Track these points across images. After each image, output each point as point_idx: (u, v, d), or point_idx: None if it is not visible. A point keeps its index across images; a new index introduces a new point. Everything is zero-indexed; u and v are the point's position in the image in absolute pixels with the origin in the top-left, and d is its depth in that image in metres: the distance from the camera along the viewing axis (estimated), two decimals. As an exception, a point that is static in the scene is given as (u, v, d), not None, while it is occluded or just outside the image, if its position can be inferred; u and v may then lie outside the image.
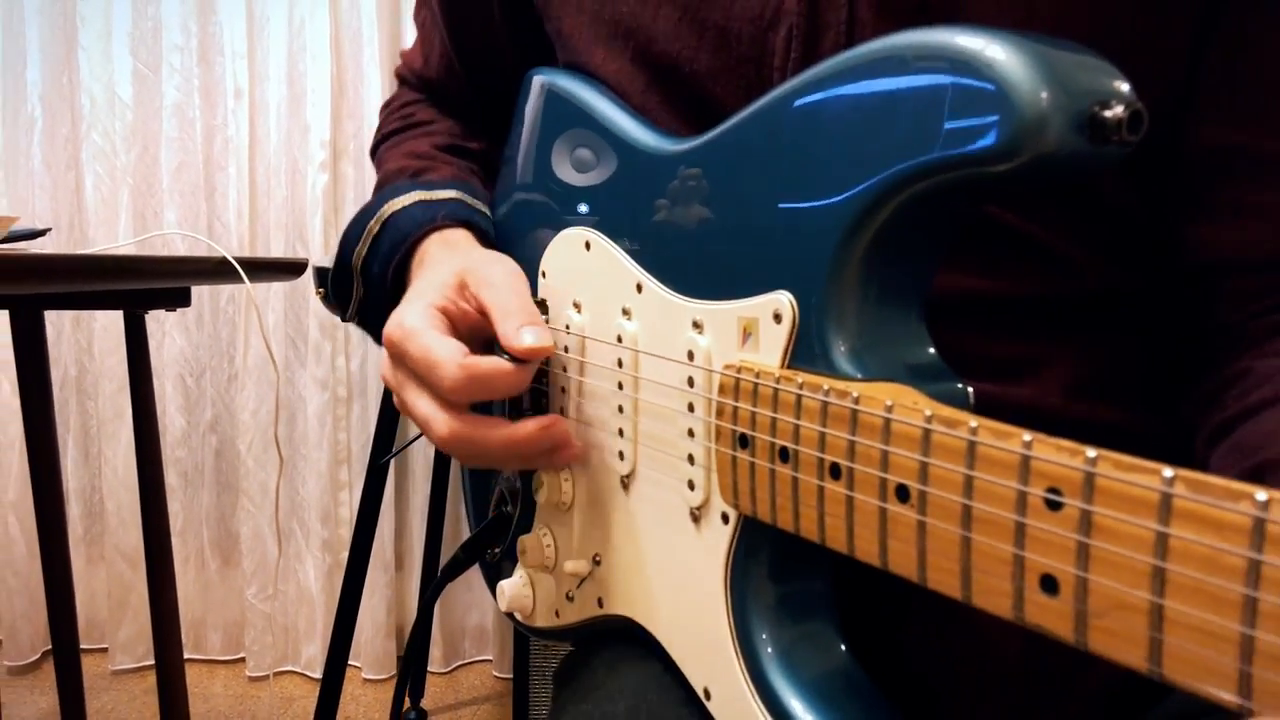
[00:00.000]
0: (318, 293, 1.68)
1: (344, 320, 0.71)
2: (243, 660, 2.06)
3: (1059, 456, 0.30)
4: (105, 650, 2.07)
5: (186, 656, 2.05)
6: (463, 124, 0.76)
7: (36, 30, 2.00)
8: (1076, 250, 0.51)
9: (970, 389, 0.41)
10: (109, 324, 2.01)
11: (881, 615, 0.49)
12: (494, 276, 0.55)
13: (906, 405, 0.36)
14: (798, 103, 0.41)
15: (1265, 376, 0.47)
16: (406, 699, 1.89)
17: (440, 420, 0.52)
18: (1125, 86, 0.33)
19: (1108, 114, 0.32)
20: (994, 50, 0.34)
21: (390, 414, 1.55)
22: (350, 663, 2.05)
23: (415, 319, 0.53)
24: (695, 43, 0.53)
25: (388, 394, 1.57)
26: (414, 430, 0.59)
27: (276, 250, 1.97)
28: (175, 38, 2.00)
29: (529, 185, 0.63)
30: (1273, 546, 0.25)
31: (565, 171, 0.59)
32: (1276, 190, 0.49)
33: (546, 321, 0.58)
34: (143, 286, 1.08)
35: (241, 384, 2.01)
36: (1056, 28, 0.47)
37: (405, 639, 2.04)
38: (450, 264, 0.58)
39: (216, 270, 1.03)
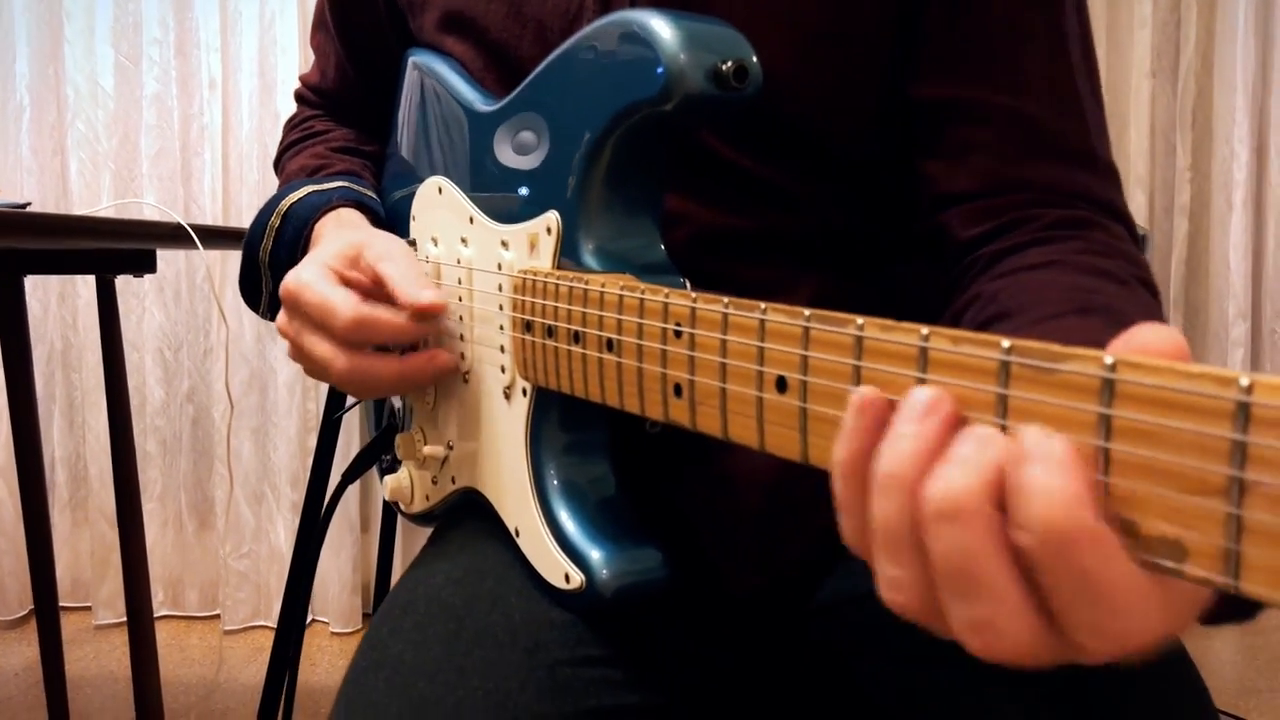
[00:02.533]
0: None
1: (258, 313, 0.79)
2: (218, 616, 2.20)
3: (680, 300, 0.44)
4: (89, 608, 2.20)
5: (165, 614, 2.20)
6: (358, 130, 0.85)
7: (24, 25, 2.14)
8: (821, 196, 0.65)
9: (687, 281, 0.55)
10: (91, 299, 2.15)
11: (657, 469, 0.62)
12: (391, 251, 0.64)
13: (615, 282, 0.49)
14: (553, 72, 0.56)
15: (990, 297, 0.59)
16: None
17: (340, 358, 0.62)
18: (738, 48, 0.47)
19: (724, 67, 0.46)
20: (660, 27, 0.48)
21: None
22: (319, 618, 2.19)
23: (310, 274, 0.63)
24: (519, 32, 0.66)
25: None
26: None
27: (249, 231, 2.11)
28: (154, 32, 2.14)
29: (406, 143, 0.77)
30: (771, 338, 0.38)
31: (427, 130, 0.73)
32: (982, 128, 0.61)
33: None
34: (105, 246, 1.21)
35: (216, 357, 2.15)
36: (791, 20, 0.60)
37: (371, 596, 2.18)
38: (346, 236, 0.67)
39: (173, 235, 1.17)
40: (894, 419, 0.32)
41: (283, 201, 0.76)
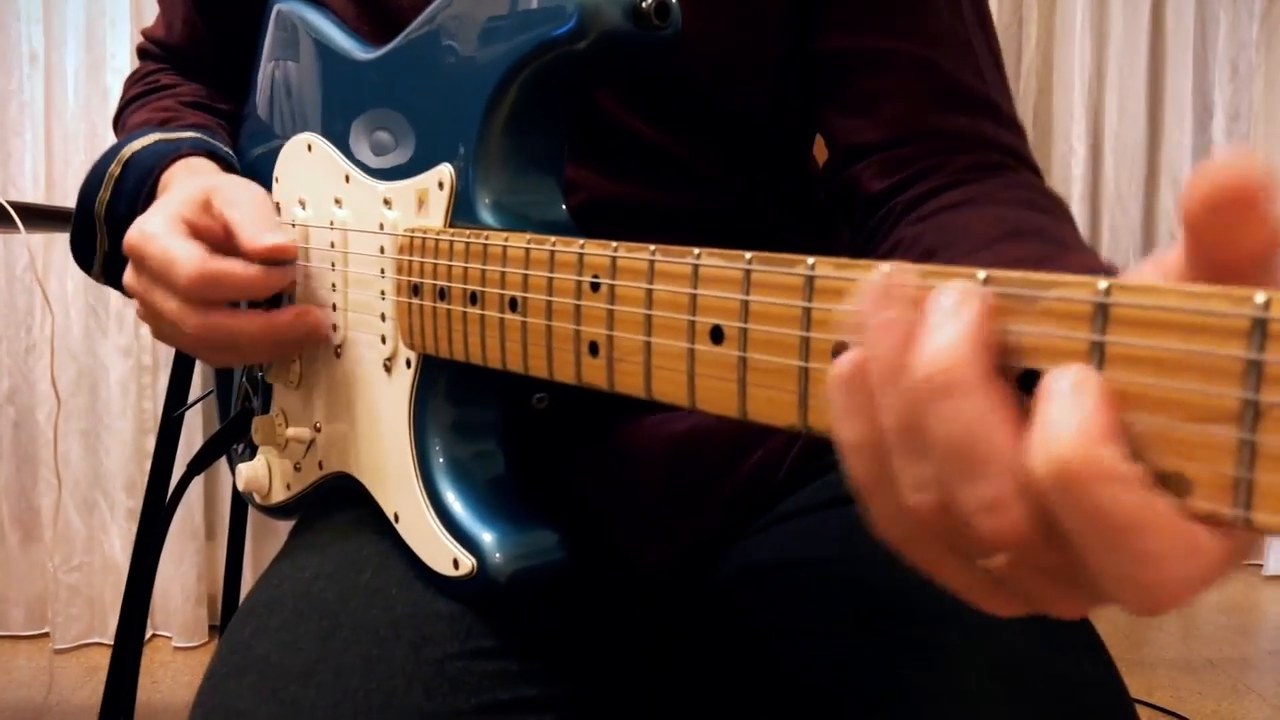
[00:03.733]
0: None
1: (91, 276, 0.71)
2: (47, 634, 2.03)
3: (599, 250, 0.40)
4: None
5: (-14, 633, 2.02)
6: (208, 87, 0.78)
7: None
8: (717, 164, 0.62)
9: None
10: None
11: (548, 447, 0.59)
12: (240, 196, 0.59)
13: (519, 238, 0.45)
14: (447, 10, 0.51)
15: (913, 240, 0.57)
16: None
17: (190, 317, 0.56)
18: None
19: (643, 4, 0.43)
20: (569, -39, 0.44)
21: (185, 365, 1.57)
22: (160, 632, 2.05)
23: (155, 224, 0.57)
24: None
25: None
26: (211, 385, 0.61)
27: (76, 217, 1.95)
28: (-35, 0, 1.96)
29: (269, 101, 0.71)
30: (706, 284, 0.35)
31: (294, 84, 0.67)
32: (890, 78, 0.60)
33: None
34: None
35: (40, 353, 1.98)
36: None
37: (217, 607, 2.05)
38: (195, 183, 0.61)
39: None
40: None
41: (125, 149, 0.67)
